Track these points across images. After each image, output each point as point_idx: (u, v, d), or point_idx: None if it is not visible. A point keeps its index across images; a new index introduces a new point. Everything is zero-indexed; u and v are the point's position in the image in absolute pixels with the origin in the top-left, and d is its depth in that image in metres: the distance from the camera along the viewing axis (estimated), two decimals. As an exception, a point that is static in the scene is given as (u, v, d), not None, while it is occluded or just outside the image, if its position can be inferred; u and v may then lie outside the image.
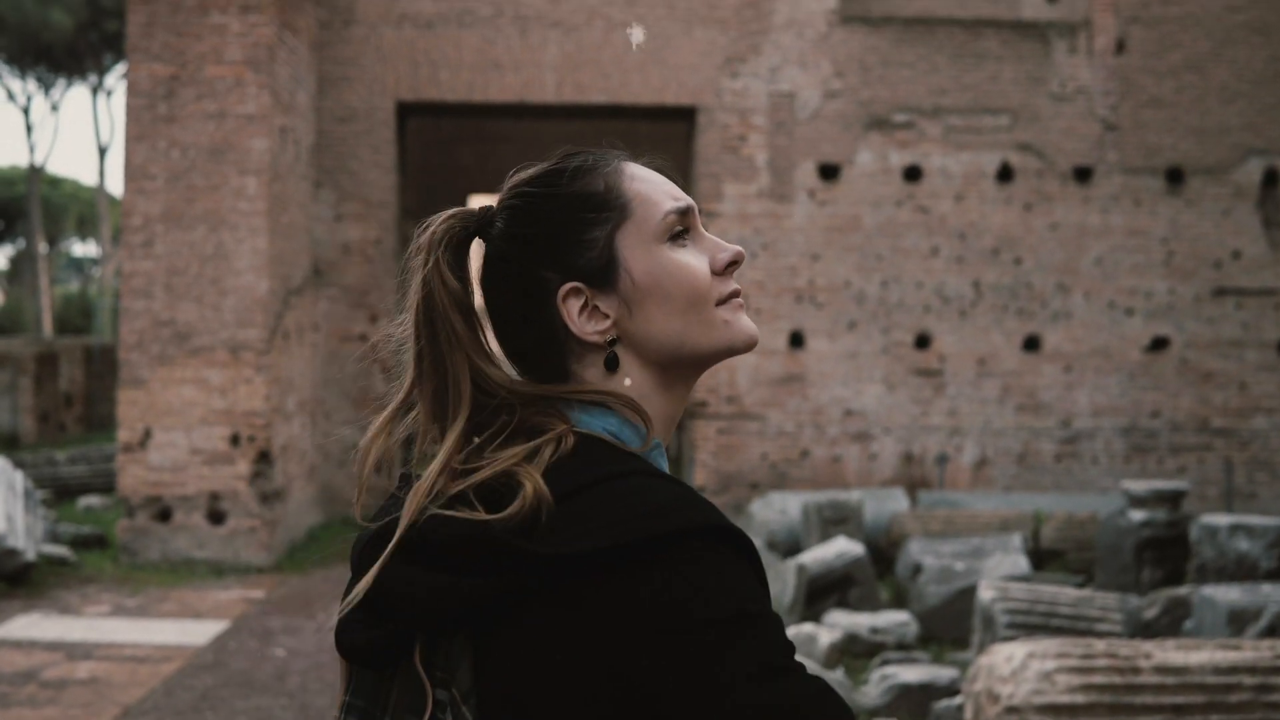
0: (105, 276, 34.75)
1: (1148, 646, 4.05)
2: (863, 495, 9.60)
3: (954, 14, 12.37)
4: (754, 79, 11.67)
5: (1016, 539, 8.04)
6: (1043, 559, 8.88)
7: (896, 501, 9.87)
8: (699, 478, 11.46)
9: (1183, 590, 6.63)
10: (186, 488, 9.71)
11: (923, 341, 11.70)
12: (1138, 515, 7.78)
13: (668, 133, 12.45)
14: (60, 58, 29.72)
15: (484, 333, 1.15)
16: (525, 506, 1.01)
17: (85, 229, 41.44)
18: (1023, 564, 7.64)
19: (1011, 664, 3.95)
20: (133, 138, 9.81)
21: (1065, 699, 3.82)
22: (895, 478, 11.55)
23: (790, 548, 9.19)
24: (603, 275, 1.12)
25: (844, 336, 11.60)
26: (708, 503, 1.04)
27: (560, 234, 1.13)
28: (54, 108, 33.29)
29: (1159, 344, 11.77)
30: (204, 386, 9.73)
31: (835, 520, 8.74)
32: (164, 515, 9.72)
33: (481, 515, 1.02)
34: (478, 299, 1.16)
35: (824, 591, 7.42)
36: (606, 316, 1.13)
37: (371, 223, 11.66)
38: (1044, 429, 11.71)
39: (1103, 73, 11.78)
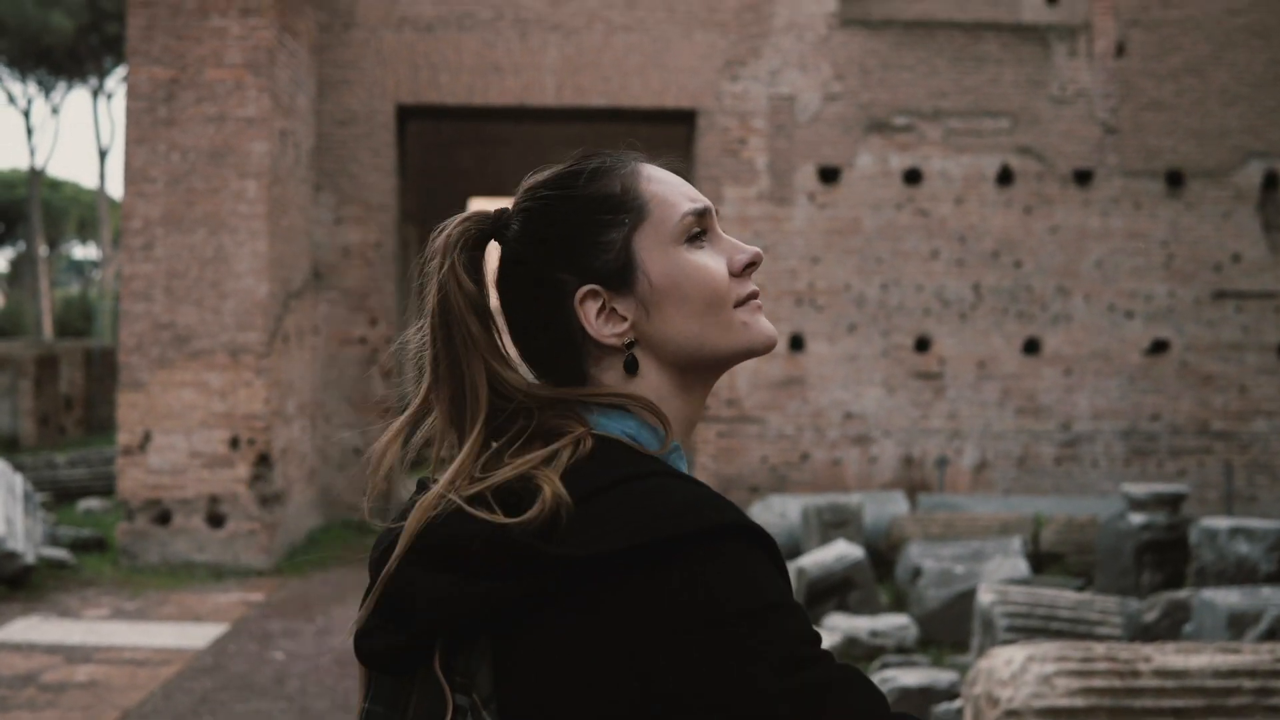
0: (106, 279, 34.75)
1: (1147, 650, 4.05)
2: (862, 498, 9.59)
3: (954, 17, 12.38)
4: (754, 82, 11.67)
5: (1016, 542, 8.04)
6: (1042, 562, 8.87)
7: (896, 504, 9.87)
8: (699, 481, 11.45)
9: (1182, 593, 6.62)
10: (186, 491, 9.71)
11: (923, 344, 11.70)
12: (1137, 518, 7.78)
13: (668, 136, 12.46)
14: (61, 61, 29.73)
15: (500, 336, 1.14)
16: (545, 509, 1.00)
17: (86, 232, 41.46)
18: (1022, 567, 7.64)
19: (1011, 667, 3.95)
20: (133, 141, 9.81)
21: (1065, 702, 3.82)
22: (895, 481, 11.55)
23: (790, 551, 9.18)
24: (620, 277, 1.12)
25: (844, 339, 11.60)
26: (727, 502, 1.03)
27: (577, 236, 1.12)
28: (54, 111, 33.29)
29: (1159, 347, 11.77)
30: (204, 389, 9.73)
31: (835, 523, 8.73)
32: (163, 518, 9.72)
33: (500, 518, 1.01)
34: (493, 302, 1.15)
35: (824, 595, 7.41)
36: (624, 319, 1.12)
37: (371, 226, 11.66)
38: (1044, 432, 11.70)
39: (1103, 75, 11.79)
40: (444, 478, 1.07)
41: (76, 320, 31.58)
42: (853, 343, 11.62)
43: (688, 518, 1.00)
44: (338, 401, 11.65)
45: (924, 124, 11.68)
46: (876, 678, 6.01)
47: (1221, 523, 7.37)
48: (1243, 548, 7.15)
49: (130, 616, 8.13)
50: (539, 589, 1.00)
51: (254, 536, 9.71)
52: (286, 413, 10.37)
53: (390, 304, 11.71)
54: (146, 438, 9.70)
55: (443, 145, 16.99)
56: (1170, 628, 6.39)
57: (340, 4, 11.65)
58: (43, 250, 34.41)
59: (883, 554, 8.99)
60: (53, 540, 9.89)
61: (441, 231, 1.14)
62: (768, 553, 1.03)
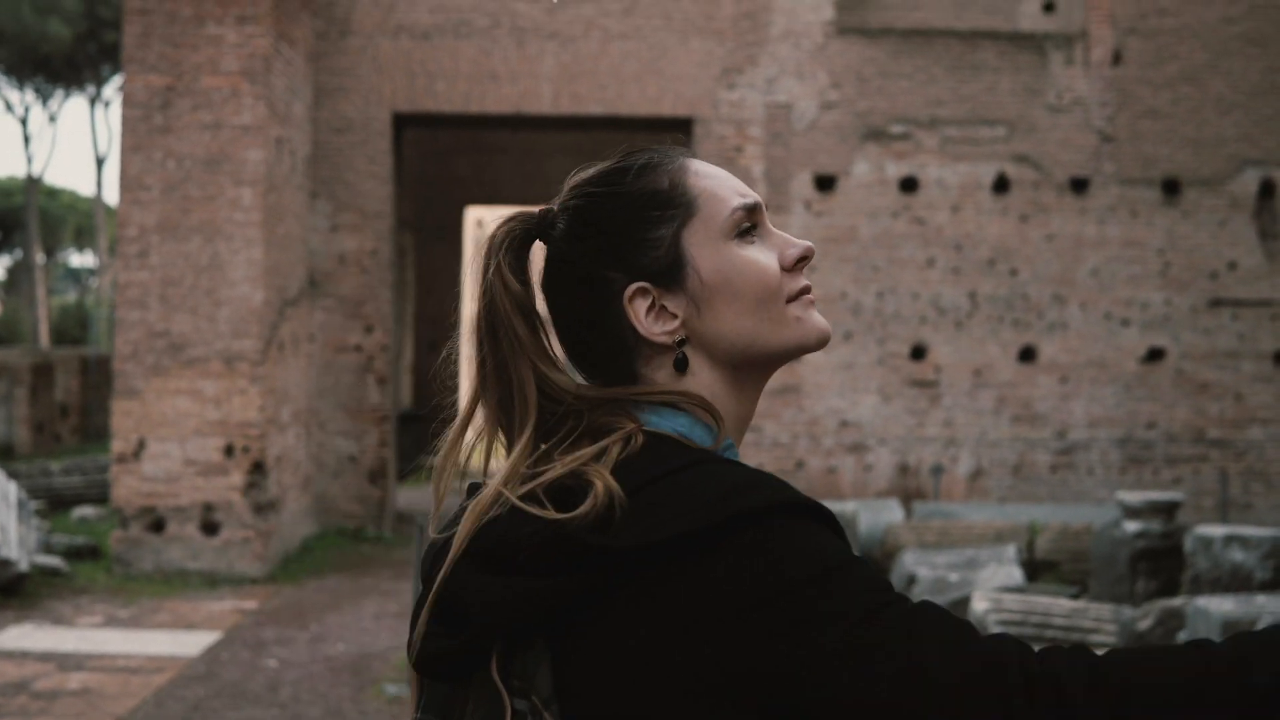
0: (102, 287, 34.74)
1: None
2: (858, 506, 9.58)
3: (951, 25, 12.39)
4: (750, 90, 11.68)
5: (1011, 550, 8.03)
6: (1037, 570, 8.86)
7: (891, 512, 9.86)
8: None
9: (1177, 601, 6.61)
10: (180, 498, 9.69)
11: (918, 352, 11.70)
12: (1132, 526, 7.77)
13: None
14: (58, 68, 29.75)
15: (548, 337, 1.12)
16: (598, 503, 0.98)
17: (83, 240, 41.43)
18: (1017, 575, 7.63)
19: (1003, 675, 3.93)
20: (128, 148, 9.81)
21: (1057, 710, 3.81)
22: (890, 489, 11.54)
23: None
24: (670, 274, 1.10)
25: (840, 347, 11.60)
26: (782, 481, 1.02)
27: (625, 233, 1.10)
28: (52, 118, 33.31)
29: (1155, 355, 11.77)
30: (198, 397, 9.72)
31: (830, 531, 8.71)
32: (158, 526, 9.70)
33: (553, 514, 0.99)
34: (540, 304, 1.13)
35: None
36: (674, 316, 1.10)
37: (367, 233, 11.66)
38: (1039, 440, 11.70)
39: (1099, 84, 11.80)
40: (496, 479, 1.05)
41: (73, 328, 31.55)
42: (848, 351, 11.62)
43: (745, 497, 0.98)
44: (333, 409, 11.64)
45: (920, 132, 11.69)
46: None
47: (1216, 530, 7.36)
48: (1238, 555, 7.14)
49: (123, 624, 8.11)
50: (597, 583, 0.98)
51: (248, 544, 9.69)
52: (281, 420, 10.36)
53: (386, 311, 11.70)
54: (141, 445, 9.68)
55: (439, 153, 17.01)
56: (1165, 636, 6.38)
57: (337, 12, 11.66)
58: (39, 258, 34.40)
59: (878, 562, 8.97)
60: (47, 548, 9.87)
61: (489, 236, 1.13)
62: (829, 525, 1.02)
